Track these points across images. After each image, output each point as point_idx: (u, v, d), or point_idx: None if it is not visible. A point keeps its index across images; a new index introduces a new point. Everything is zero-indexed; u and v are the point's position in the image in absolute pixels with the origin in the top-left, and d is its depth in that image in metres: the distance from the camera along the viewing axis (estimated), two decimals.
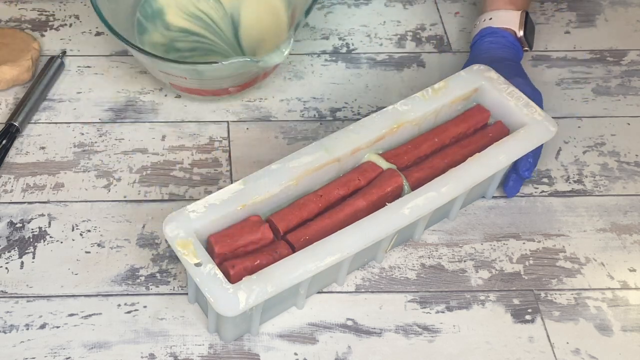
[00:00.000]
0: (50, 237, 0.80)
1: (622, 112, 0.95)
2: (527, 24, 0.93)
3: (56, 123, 0.91)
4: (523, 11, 0.93)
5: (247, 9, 0.98)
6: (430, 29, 1.05)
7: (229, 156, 0.88)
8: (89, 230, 0.81)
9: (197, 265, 0.67)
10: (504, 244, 0.81)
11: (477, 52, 0.92)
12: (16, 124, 0.89)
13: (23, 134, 0.90)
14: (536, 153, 0.83)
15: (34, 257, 0.78)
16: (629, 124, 0.94)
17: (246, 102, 0.94)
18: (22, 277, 0.77)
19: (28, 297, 0.75)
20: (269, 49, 0.90)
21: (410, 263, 0.79)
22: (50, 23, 1.03)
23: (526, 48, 0.94)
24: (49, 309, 0.74)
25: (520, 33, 0.92)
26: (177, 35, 0.96)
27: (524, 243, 0.81)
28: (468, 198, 0.82)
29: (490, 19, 0.93)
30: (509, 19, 0.92)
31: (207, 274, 0.66)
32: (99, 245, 0.79)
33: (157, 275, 0.77)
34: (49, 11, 1.05)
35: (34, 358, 0.71)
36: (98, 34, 1.02)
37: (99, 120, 0.91)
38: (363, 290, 0.77)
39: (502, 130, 0.82)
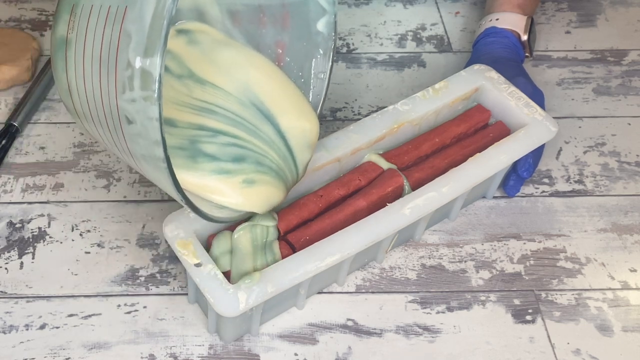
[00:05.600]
0: (50, 237, 0.80)
1: (622, 112, 0.95)
2: (531, 30, 0.93)
3: (56, 123, 0.91)
4: (529, 17, 0.93)
5: (260, 87, 0.73)
6: (430, 29, 1.05)
7: None
8: (88, 231, 0.80)
9: (197, 265, 0.67)
10: (504, 244, 0.81)
11: (479, 52, 0.92)
12: (16, 124, 0.88)
13: (23, 134, 0.90)
14: (537, 153, 0.83)
15: (33, 258, 0.78)
16: (629, 124, 0.94)
17: None
18: (21, 278, 0.77)
19: (28, 297, 0.75)
20: (309, 126, 0.73)
21: (411, 263, 0.79)
22: (50, 23, 1.03)
23: (527, 54, 0.94)
24: (48, 310, 0.74)
25: (525, 37, 0.92)
26: (195, 134, 0.69)
27: (524, 243, 0.81)
28: (469, 198, 0.82)
29: (497, 19, 0.93)
30: (514, 22, 0.93)
31: (207, 274, 0.66)
32: (98, 245, 0.79)
33: (157, 275, 0.77)
34: (48, 11, 1.05)
35: (33, 358, 0.71)
36: None
37: None
38: (363, 290, 0.77)
39: (502, 130, 0.82)
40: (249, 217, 0.71)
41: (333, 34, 0.73)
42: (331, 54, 0.75)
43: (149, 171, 0.61)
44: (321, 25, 0.74)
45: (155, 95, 0.54)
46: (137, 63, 0.54)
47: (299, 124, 0.72)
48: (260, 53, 0.76)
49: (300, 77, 0.76)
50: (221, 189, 0.67)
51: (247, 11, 0.75)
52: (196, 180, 0.66)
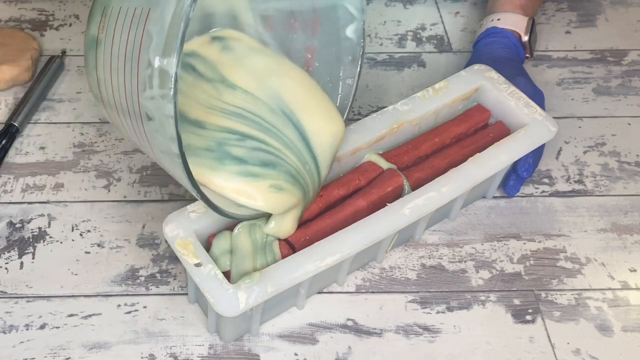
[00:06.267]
0: (50, 237, 0.80)
1: (622, 112, 0.95)
2: (532, 31, 0.94)
3: (56, 123, 0.91)
4: (530, 17, 0.94)
5: (290, 94, 0.74)
6: (430, 29, 1.05)
7: None
8: (88, 231, 0.80)
9: (197, 265, 0.67)
10: (504, 244, 0.81)
11: (479, 52, 0.92)
12: (16, 124, 0.88)
13: (23, 134, 0.90)
14: (537, 153, 0.83)
15: (33, 258, 0.78)
16: (629, 124, 0.94)
17: None
18: (21, 277, 0.77)
19: (28, 297, 0.75)
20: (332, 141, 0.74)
21: (411, 263, 0.79)
22: (50, 23, 1.03)
23: (527, 54, 0.94)
24: (48, 309, 0.74)
25: (525, 38, 0.93)
26: (223, 137, 0.70)
27: (524, 243, 0.81)
28: (468, 198, 0.82)
29: (499, 19, 0.93)
30: (516, 22, 0.93)
31: (207, 274, 0.66)
32: (98, 245, 0.79)
33: (157, 275, 0.77)
34: (48, 11, 1.05)
35: (33, 358, 0.71)
36: None
37: (99, 120, 0.91)
38: (363, 290, 0.77)
39: (502, 130, 0.82)
40: (262, 215, 0.71)
41: (362, 40, 0.75)
42: (360, 60, 0.76)
43: (168, 166, 0.63)
44: (350, 31, 0.75)
45: (172, 93, 0.56)
46: (156, 62, 0.57)
47: (326, 132, 0.73)
48: (291, 58, 0.77)
49: (329, 82, 0.77)
50: (247, 192, 0.68)
51: (279, 16, 0.77)
52: (221, 181, 0.68)
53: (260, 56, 0.75)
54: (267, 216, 0.71)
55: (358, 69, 0.76)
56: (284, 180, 0.70)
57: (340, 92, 0.77)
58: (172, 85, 0.56)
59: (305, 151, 0.72)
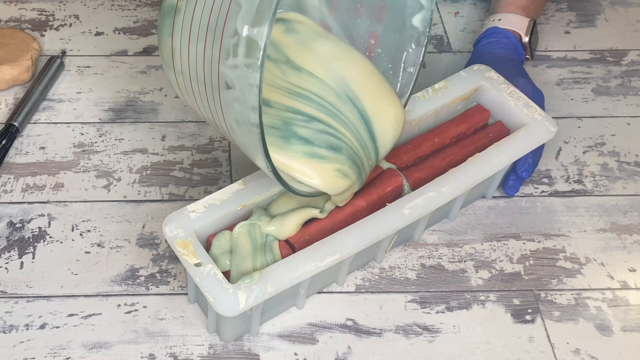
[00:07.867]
0: (50, 237, 0.80)
1: (622, 112, 0.95)
2: (533, 33, 0.94)
3: (56, 123, 0.91)
4: (532, 19, 0.94)
5: (354, 80, 0.74)
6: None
7: (229, 156, 0.88)
8: (88, 230, 0.80)
9: (197, 265, 0.67)
10: (504, 244, 0.81)
11: (479, 51, 0.92)
12: (16, 124, 0.89)
13: (23, 134, 0.90)
14: (536, 153, 0.83)
15: (33, 257, 0.78)
16: (629, 124, 0.94)
17: None
18: (22, 277, 0.77)
19: (28, 297, 0.75)
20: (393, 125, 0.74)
21: (410, 263, 0.79)
22: (50, 23, 1.03)
23: (527, 56, 0.94)
24: (48, 309, 0.74)
25: (526, 39, 0.93)
26: (290, 117, 0.70)
27: (524, 243, 0.81)
28: (468, 198, 0.82)
29: (500, 19, 0.93)
30: (517, 23, 0.93)
31: (206, 274, 0.66)
32: (98, 245, 0.79)
33: (157, 275, 0.77)
34: (48, 11, 1.05)
35: (33, 358, 0.71)
36: (98, 34, 1.02)
37: (99, 120, 0.91)
38: (363, 290, 0.77)
39: (502, 130, 0.82)
40: (322, 194, 0.71)
41: (427, 29, 0.74)
42: (423, 49, 0.76)
43: (240, 135, 0.63)
44: (417, 20, 0.75)
45: (259, 62, 0.57)
46: (245, 31, 0.57)
47: (388, 121, 0.74)
48: (353, 42, 0.77)
49: (390, 69, 0.77)
50: (311, 173, 0.69)
51: (345, 0, 0.76)
52: (287, 160, 0.68)
53: (323, 40, 0.75)
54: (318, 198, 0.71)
55: (421, 58, 0.76)
56: (348, 166, 0.70)
57: (400, 79, 0.77)
58: (261, 55, 0.56)
59: (368, 139, 0.73)
